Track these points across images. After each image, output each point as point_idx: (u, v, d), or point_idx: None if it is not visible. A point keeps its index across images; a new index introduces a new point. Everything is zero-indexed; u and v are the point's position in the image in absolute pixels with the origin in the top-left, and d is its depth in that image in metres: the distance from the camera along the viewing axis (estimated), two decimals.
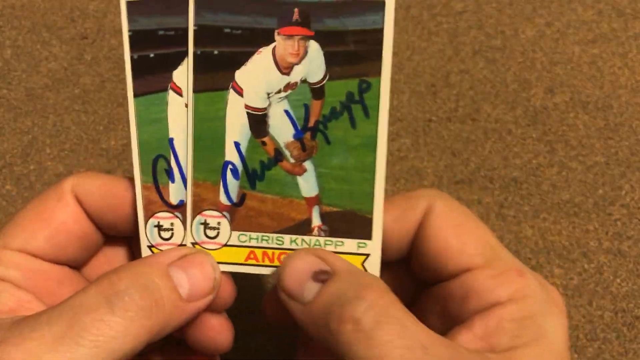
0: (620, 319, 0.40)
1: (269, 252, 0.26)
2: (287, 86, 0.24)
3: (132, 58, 0.25)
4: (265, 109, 0.25)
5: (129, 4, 0.24)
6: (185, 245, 0.26)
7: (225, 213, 0.26)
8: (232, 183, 0.26)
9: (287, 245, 0.26)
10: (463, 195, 0.44)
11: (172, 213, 0.26)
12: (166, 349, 0.30)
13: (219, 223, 0.25)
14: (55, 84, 0.48)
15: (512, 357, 0.21)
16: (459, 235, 0.25)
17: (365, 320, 0.21)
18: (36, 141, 0.46)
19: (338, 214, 0.25)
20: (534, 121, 0.46)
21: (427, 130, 0.46)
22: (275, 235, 0.26)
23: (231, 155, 0.25)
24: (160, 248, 0.26)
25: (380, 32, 0.23)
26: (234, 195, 0.26)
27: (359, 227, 0.25)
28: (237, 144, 0.25)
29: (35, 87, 0.48)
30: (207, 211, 0.26)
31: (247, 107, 0.25)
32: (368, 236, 0.25)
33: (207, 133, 0.25)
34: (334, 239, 0.25)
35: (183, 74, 0.24)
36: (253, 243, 0.25)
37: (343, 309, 0.21)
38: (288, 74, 0.24)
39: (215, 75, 0.24)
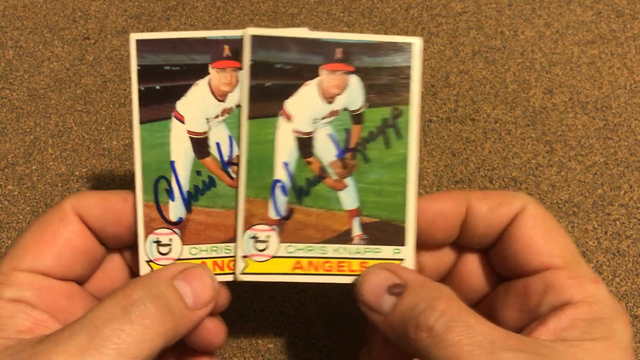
0: None
1: (314, 261, 0.29)
2: (331, 113, 0.28)
3: (139, 89, 0.28)
4: (311, 133, 0.29)
5: (138, 42, 0.27)
6: (182, 260, 0.28)
7: (274, 227, 0.28)
8: (281, 199, 0.29)
9: (330, 254, 0.29)
10: None
11: (171, 229, 0.28)
12: (167, 350, 0.31)
13: (268, 236, 0.28)
14: (57, 84, 0.48)
15: (580, 346, 0.24)
16: (547, 238, 0.28)
17: (438, 327, 0.24)
18: (38, 141, 0.46)
19: (376, 224, 0.28)
20: (533, 121, 0.47)
21: (427, 131, 0.46)
22: (319, 245, 0.29)
23: (280, 174, 0.28)
24: (159, 263, 0.28)
25: (409, 68, 0.27)
26: (283, 210, 0.29)
27: (394, 235, 0.28)
28: (285, 164, 0.29)
29: (38, 87, 0.48)
30: (257, 225, 0.29)
31: (295, 131, 0.28)
32: (402, 243, 0.28)
33: (258, 154, 0.28)
34: (372, 247, 0.28)
35: (186, 104, 0.28)
36: (299, 254, 0.28)
37: (418, 319, 0.25)
38: (332, 102, 0.27)
39: (267, 104, 0.28)
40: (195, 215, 0.28)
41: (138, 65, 0.28)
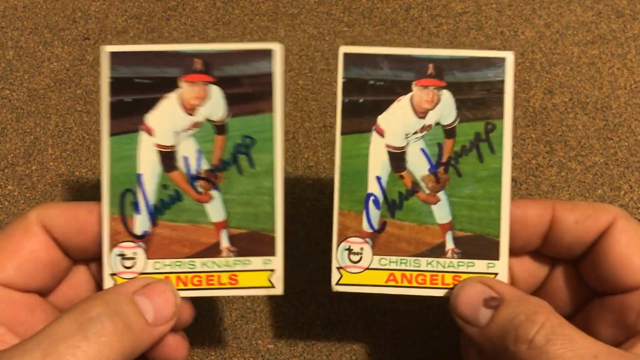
0: None
1: (407, 274, 0.29)
2: (423, 128, 0.28)
3: (110, 102, 0.28)
4: (404, 147, 0.29)
5: (111, 54, 0.28)
6: (145, 274, 0.28)
7: (367, 239, 0.29)
8: (374, 212, 0.29)
9: (423, 267, 0.29)
10: None
11: (135, 243, 0.28)
12: None
13: (361, 249, 0.28)
14: (57, 84, 0.48)
15: None
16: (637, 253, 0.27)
17: (538, 340, 0.24)
18: (38, 142, 0.46)
19: (469, 238, 0.29)
20: (533, 121, 0.47)
21: None
22: (412, 258, 0.29)
23: (373, 187, 0.29)
24: (123, 276, 0.28)
25: (502, 82, 0.27)
26: (376, 223, 0.29)
27: (488, 249, 0.28)
28: (378, 178, 0.29)
29: (38, 87, 0.48)
30: (351, 238, 0.29)
31: (388, 146, 0.29)
32: (496, 257, 0.28)
33: (352, 169, 0.28)
34: (465, 260, 0.29)
35: (155, 117, 0.28)
36: (393, 266, 0.29)
37: (517, 332, 0.25)
38: (424, 117, 0.28)
39: (360, 120, 0.28)
40: (160, 229, 0.28)
41: (110, 78, 0.28)
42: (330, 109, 0.46)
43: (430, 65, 0.28)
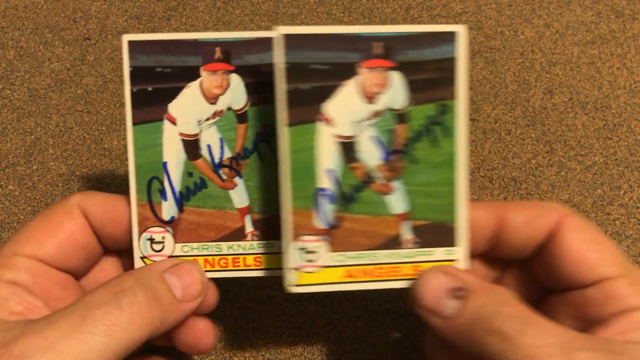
0: None
1: (366, 268, 0.28)
2: (373, 114, 0.26)
3: (131, 91, 0.28)
4: (354, 136, 0.27)
5: (130, 43, 0.27)
6: (174, 257, 0.29)
7: (322, 237, 0.28)
8: (328, 208, 0.28)
9: (382, 260, 0.28)
10: None
11: (163, 228, 0.29)
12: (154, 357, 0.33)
13: (317, 247, 0.27)
14: (58, 84, 0.48)
15: None
16: (597, 250, 0.28)
17: (509, 331, 0.24)
18: (39, 141, 0.46)
19: (426, 227, 0.27)
20: (533, 121, 0.47)
21: None
22: (370, 252, 0.28)
23: (325, 182, 0.27)
24: (152, 259, 0.29)
25: (454, 60, 0.25)
26: (330, 219, 0.28)
27: (446, 236, 0.27)
28: (329, 171, 0.27)
29: (38, 87, 0.48)
30: (305, 236, 0.28)
31: (337, 136, 0.27)
32: (454, 243, 0.27)
33: (300, 163, 0.27)
34: (424, 249, 0.27)
35: (178, 106, 0.27)
36: (350, 262, 0.28)
37: (487, 323, 0.24)
38: (373, 102, 0.26)
39: (304, 109, 0.26)
40: (187, 215, 0.29)
41: (130, 67, 0.28)
42: None
43: (378, 45, 0.26)
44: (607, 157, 0.45)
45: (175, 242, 0.29)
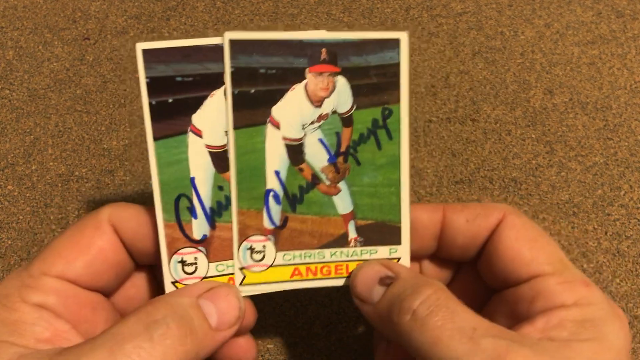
0: None
1: (312, 266, 0.28)
2: (320, 117, 0.27)
3: (150, 104, 0.26)
4: (301, 139, 0.28)
5: (144, 52, 0.25)
6: (208, 278, 0.28)
7: (269, 236, 0.28)
8: (275, 208, 0.28)
9: (328, 258, 0.29)
10: (463, 195, 0.44)
11: (195, 248, 0.27)
12: None
13: (264, 246, 0.27)
14: (57, 84, 0.48)
15: (568, 346, 0.23)
16: (532, 247, 0.28)
17: (420, 311, 0.24)
18: (38, 141, 0.46)
19: (371, 226, 0.28)
20: (533, 122, 0.47)
21: (427, 131, 0.46)
22: (316, 250, 0.28)
23: (272, 183, 0.28)
24: (184, 283, 0.28)
25: (397, 65, 0.26)
26: (277, 219, 0.28)
27: (390, 235, 0.28)
28: (277, 173, 0.28)
29: (38, 87, 0.48)
30: (253, 236, 0.28)
31: (284, 138, 0.27)
32: (398, 242, 0.28)
33: (248, 165, 0.27)
34: (368, 248, 0.28)
35: (202, 117, 0.26)
36: (297, 260, 0.28)
37: (402, 303, 0.24)
38: (320, 106, 0.26)
39: (253, 112, 0.26)
40: (220, 232, 0.27)
41: (147, 78, 0.26)
42: None
43: (323, 50, 0.26)
44: (608, 157, 0.45)
45: (209, 262, 0.28)
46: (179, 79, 0.27)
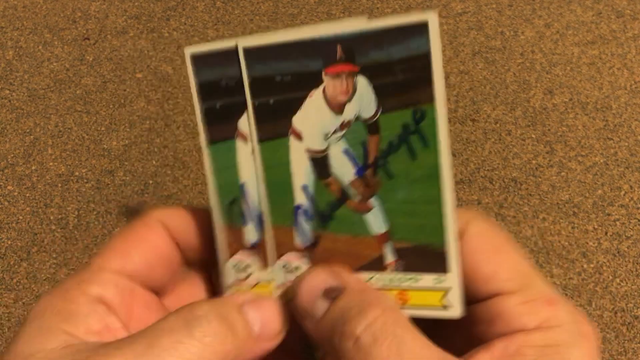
0: (620, 319, 0.40)
1: None
2: (342, 125, 0.25)
3: (202, 108, 0.26)
4: (325, 150, 0.26)
5: (193, 57, 0.24)
6: (260, 283, 0.27)
7: (303, 254, 0.27)
8: (305, 225, 0.27)
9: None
10: (463, 195, 0.44)
11: (248, 253, 0.27)
12: None
13: (298, 265, 0.26)
14: (57, 84, 0.48)
15: None
16: (493, 260, 0.25)
17: (364, 338, 0.22)
18: (38, 141, 0.46)
19: (411, 249, 0.25)
20: (533, 122, 0.47)
21: None
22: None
23: (300, 198, 0.26)
24: (238, 287, 0.28)
25: (427, 56, 0.23)
26: (309, 237, 0.27)
27: (434, 261, 0.25)
28: (304, 187, 0.26)
29: (37, 87, 0.48)
30: (287, 254, 0.27)
31: (308, 150, 0.26)
32: (444, 269, 0.24)
33: (276, 179, 0.26)
34: (410, 275, 0.25)
35: (246, 123, 0.25)
36: None
37: (345, 327, 0.23)
38: (341, 112, 0.24)
39: (275, 124, 0.25)
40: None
41: (198, 82, 0.25)
42: None
43: (339, 47, 0.24)
44: (608, 157, 0.45)
45: (267, 272, 0.27)
46: (223, 83, 0.26)
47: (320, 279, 0.26)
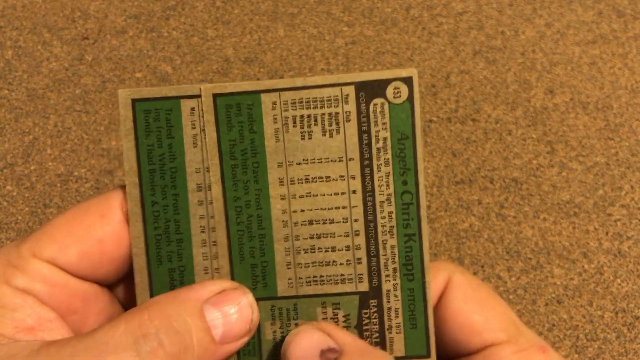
0: (621, 319, 0.40)
1: None
2: None
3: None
4: None
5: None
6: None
7: None
8: None
9: None
10: (463, 195, 0.44)
11: None
12: None
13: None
14: (56, 84, 0.48)
15: None
16: (482, 310, 0.25)
17: None
18: (37, 141, 0.46)
19: None
20: (534, 122, 0.46)
21: (427, 131, 0.46)
22: None
23: None
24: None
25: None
26: None
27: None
28: None
29: (37, 87, 0.48)
30: None
31: None
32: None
33: None
34: None
35: None
36: None
37: None
38: None
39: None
40: None
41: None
42: None
43: None
44: (609, 157, 0.45)
45: None
46: None
47: (314, 339, 0.23)
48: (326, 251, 0.24)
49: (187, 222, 0.24)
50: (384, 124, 0.23)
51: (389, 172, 0.23)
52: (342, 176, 0.23)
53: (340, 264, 0.25)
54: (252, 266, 0.25)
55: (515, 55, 0.49)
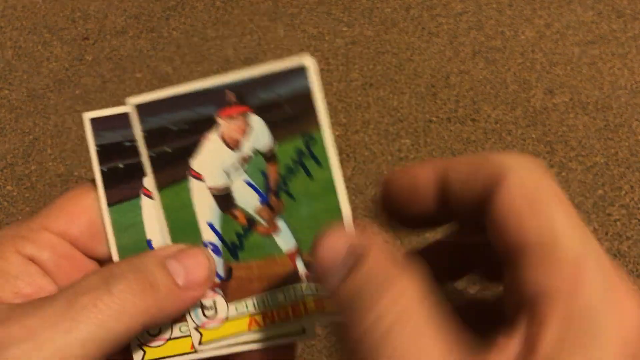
0: None
1: (268, 313, 0.28)
2: (242, 160, 0.27)
3: (102, 171, 0.27)
4: (227, 185, 0.28)
5: (92, 120, 0.26)
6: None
7: (217, 290, 0.28)
8: (216, 260, 0.28)
9: (282, 300, 0.28)
10: None
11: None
12: None
13: (214, 301, 0.27)
14: (56, 84, 0.48)
15: None
16: (522, 215, 0.23)
17: (380, 326, 0.20)
18: (37, 141, 0.46)
19: None
20: (533, 122, 0.46)
21: (427, 131, 0.46)
22: (268, 294, 0.28)
23: (208, 235, 0.28)
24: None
25: (309, 91, 0.25)
26: (221, 271, 0.28)
27: None
28: (210, 224, 0.28)
29: (37, 87, 0.48)
30: None
31: (210, 188, 0.27)
32: None
33: (181, 222, 0.27)
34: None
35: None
36: (251, 310, 0.28)
37: (361, 311, 0.21)
38: (239, 149, 0.26)
39: (174, 170, 0.27)
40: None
41: (97, 146, 0.26)
42: (329, 108, 0.46)
43: (229, 93, 0.26)
44: (608, 157, 0.45)
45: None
46: (127, 143, 0.27)
47: (344, 240, 0.24)
48: None
49: None
50: None
51: None
52: None
53: None
54: None
55: (514, 55, 0.49)
